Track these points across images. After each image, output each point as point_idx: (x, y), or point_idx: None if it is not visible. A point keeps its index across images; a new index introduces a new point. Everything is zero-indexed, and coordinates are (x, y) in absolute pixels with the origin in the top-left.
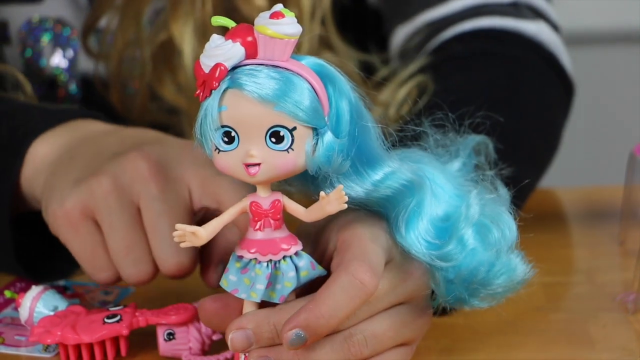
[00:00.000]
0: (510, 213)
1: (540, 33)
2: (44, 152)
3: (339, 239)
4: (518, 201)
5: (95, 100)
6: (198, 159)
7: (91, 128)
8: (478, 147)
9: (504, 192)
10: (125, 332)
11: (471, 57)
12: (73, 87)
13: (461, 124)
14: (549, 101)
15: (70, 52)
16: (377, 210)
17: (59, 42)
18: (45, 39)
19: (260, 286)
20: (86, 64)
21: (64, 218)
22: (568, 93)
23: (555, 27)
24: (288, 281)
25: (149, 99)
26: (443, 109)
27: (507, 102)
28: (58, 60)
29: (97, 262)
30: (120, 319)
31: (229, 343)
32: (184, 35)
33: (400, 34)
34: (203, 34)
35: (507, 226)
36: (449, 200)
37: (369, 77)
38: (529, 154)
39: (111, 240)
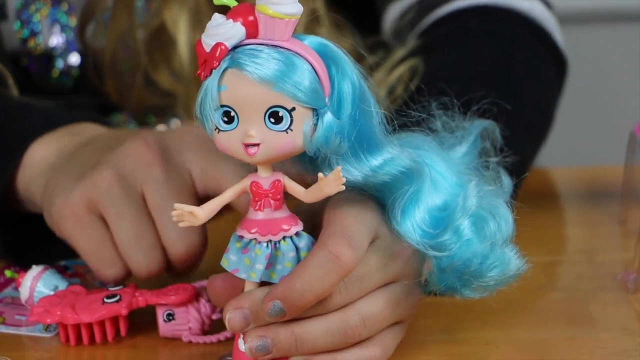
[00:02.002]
0: (508, 206)
1: (533, 10)
2: (42, 154)
3: (325, 217)
4: (515, 180)
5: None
6: (198, 144)
7: (91, 131)
8: (485, 133)
9: (507, 181)
10: (124, 312)
11: (465, 35)
12: (71, 61)
13: (457, 102)
14: (543, 78)
15: (66, 28)
16: (374, 195)
17: (56, 17)
18: (42, 14)
19: (260, 266)
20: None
21: (69, 214)
22: (561, 71)
23: (548, 4)
24: (288, 261)
25: (144, 85)
26: (438, 87)
27: (502, 79)
28: (55, 35)
29: (104, 256)
30: (120, 299)
31: (226, 323)
32: (178, 23)
33: (394, 11)
34: (197, 21)
35: (504, 219)
36: (449, 188)
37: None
38: (525, 131)
39: (119, 231)
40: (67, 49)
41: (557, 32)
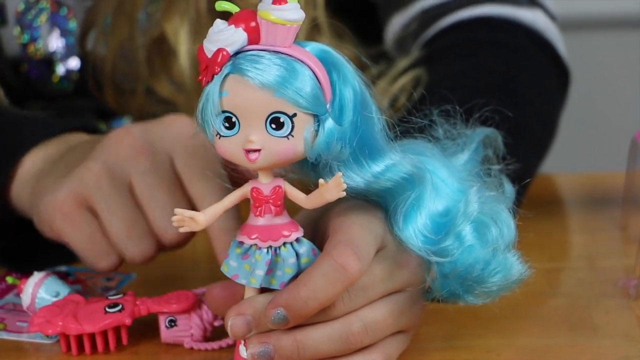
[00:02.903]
0: (510, 212)
1: (536, 21)
2: (29, 164)
3: (331, 225)
4: (519, 189)
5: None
6: (183, 135)
7: (78, 139)
8: (487, 140)
9: (509, 188)
10: (128, 321)
11: (469, 45)
12: (71, 65)
13: (460, 111)
14: (547, 89)
15: (66, 33)
16: (376, 201)
17: (56, 22)
18: (42, 19)
19: (260, 272)
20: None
21: (58, 211)
22: (564, 81)
23: (551, 15)
24: (289, 267)
25: (144, 94)
26: (442, 96)
27: (506, 90)
28: (55, 40)
29: (97, 248)
30: (123, 308)
31: (228, 329)
32: (179, 34)
33: (396, 23)
34: (198, 32)
35: (506, 225)
36: (451, 194)
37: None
38: (528, 142)
39: (110, 223)
40: (67, 54)
41: (561, 43)
